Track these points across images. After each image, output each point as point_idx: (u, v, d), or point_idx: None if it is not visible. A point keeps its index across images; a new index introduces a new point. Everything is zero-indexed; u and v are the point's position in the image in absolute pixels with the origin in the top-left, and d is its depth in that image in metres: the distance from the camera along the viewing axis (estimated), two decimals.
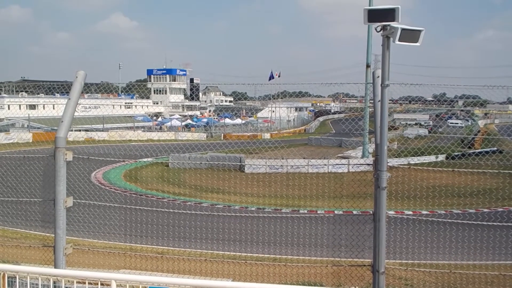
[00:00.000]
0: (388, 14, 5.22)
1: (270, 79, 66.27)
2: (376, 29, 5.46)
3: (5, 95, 56.40)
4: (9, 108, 56.81)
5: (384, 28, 5.38)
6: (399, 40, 5.26)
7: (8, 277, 5.39)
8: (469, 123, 53.20)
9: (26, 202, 9.75)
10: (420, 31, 5.28)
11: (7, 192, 11.72)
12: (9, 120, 53.14)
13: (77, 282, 5.12)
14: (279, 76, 69.44)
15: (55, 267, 6.41)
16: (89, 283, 5.05)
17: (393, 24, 5.25)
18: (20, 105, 58.20)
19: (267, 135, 57.81)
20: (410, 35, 5.29)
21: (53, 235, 6.51)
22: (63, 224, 6.47)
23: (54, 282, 5.25)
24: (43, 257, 7.43)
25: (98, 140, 44.53)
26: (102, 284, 5.05)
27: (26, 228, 14.47)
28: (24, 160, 9.77)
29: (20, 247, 9.36)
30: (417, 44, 5.32)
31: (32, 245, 9.34)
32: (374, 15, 5.30)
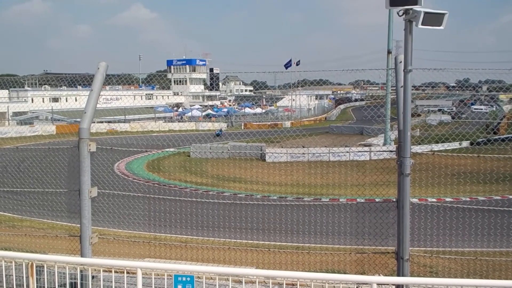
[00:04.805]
0: None
1: (286, 67, 65.42)
2: (398, 13, 5.35)
3: (28, 88, 57.14)
4: (32, 101, 57.66)
5: (406, 12, 5.26)
6: (422, 24, 5.11)
7: (37, 266, 5.50)
8: (494, 109, 52.12)
9: (52, 193, 9.92)
10: (443, 14, 5.13)
11: (33, 183, 11.97)
12: (33, 113, 54.02)
13: (103, 271, 5.20)
14: (297, 65, 68.72)
15: (81, 256, 6.50)
16: (115, 272, 5.12)
17: (415, 7, 5.12)
18: (43, 98, 59.06)
19: (287, 124, 57.65)
20: (433, 19, 5.15)
21: (79, 225, 6.60)
22: (89, 214, 6.55)
23: (81, 271, 5.35)
24: (69, 247, 7.54)
25: (120, 131, 44.98)
26: (128, 273, 5.12)
27: (52, 219, 14.73)
28: (49, 151, 9.94)
29: (47, 237, 9.53)
30: (441, 27, 5.17)
31: (58, 235, 9.49)
32: None
